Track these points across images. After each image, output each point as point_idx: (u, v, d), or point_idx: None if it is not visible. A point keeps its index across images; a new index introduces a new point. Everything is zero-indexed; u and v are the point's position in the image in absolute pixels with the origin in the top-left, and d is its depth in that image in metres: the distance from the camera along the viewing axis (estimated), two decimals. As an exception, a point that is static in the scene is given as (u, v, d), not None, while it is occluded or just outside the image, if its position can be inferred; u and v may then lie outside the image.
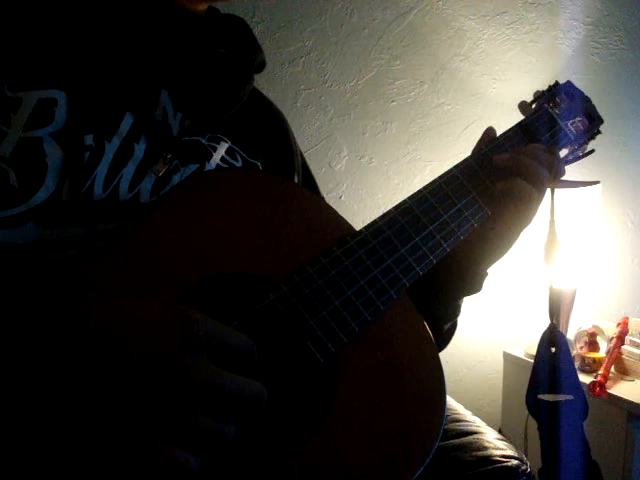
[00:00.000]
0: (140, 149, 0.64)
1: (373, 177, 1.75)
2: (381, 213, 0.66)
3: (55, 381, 0.44)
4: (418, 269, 0.65)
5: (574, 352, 1.64)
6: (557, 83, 0.84)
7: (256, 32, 1.61)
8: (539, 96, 0.83)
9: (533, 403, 0.83)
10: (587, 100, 0.86)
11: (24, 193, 0.58)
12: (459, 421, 0.93)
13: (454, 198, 0.70)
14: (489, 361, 1.84)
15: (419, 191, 0.69)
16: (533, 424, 0.86)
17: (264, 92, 0.86)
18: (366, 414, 0.58)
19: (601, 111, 0.87)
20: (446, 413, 0.61)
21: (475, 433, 0.88)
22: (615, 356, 1.58)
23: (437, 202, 0.69)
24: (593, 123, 0.86)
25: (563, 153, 0.83)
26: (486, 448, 0.83)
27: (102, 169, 0.62)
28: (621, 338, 1.61)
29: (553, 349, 0.84)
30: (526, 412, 0.85)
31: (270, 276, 0.58)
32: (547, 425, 0.82)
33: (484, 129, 0.78)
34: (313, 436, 0.56)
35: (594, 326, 1.67)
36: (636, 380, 1.56)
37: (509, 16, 1.83)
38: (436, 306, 0.76)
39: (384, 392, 0.59)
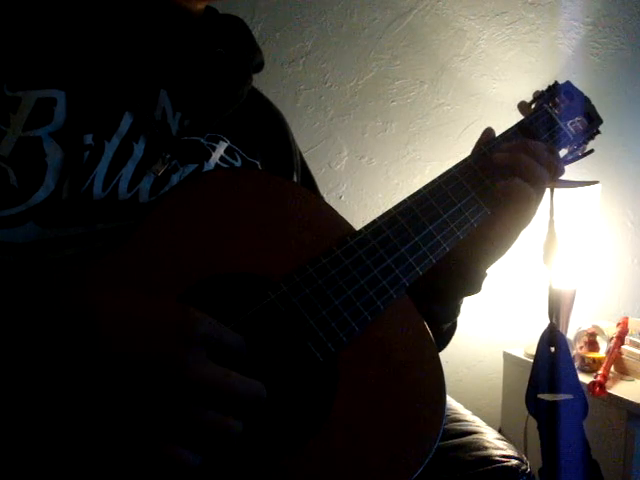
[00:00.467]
0: (139, 149, 0.65)
1: (373, 177, 1.75)
2: (381, 213, 0.66)
3: (57, 380, 0.44)
4: (418, 269, 0.65)
5: (574, 352, 1.64)
6: (556, 83, 0.84)
7: (256, 32, 1.61)
8: (538, 96, 0.83)
9: (533, 403, 0.83)
10: (586, 100, 0.86)
11: (24, 192, 0.58)
12: (459, 421, 0.93)
13: (454, 198, 0.70)
14: (489, 361, 1.84)
15: (419, 191, 0.69)
16: (533, 424, 0.86)
17: (264, 92, 0.86)
18: (365, 414, 0.58)
19: (600, 111, 0.87)
20: (446, 413, 0.61)
21: (475, 433, 0.88)
22: (615, 356, 1.58)
23: (437, 202, 0.69)
24: (592, 123, 0.86)
25: (562, 153, 0.83)
26: (486, 448, 0.83)
27: (102, 168, 0.62)
28: (621, 338, 1.61)
29: (553, 349, 0.84)
30: (526, 412, 0.85)
31: (270, 276, 0.58)
32: (547, 424, 0.82)
33: (484, 129, 0.78)
34: (313, 436, 0.56)
35: (594, 326, 1.67)
36: (636, 380, 1.56)
37: (509, 16, 1.83)
38: (436, 306, 0.76)
39: (384, 392, 0.59)
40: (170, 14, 0.70)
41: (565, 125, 0.82)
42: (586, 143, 0.86)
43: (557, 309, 1.51)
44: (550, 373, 0.83)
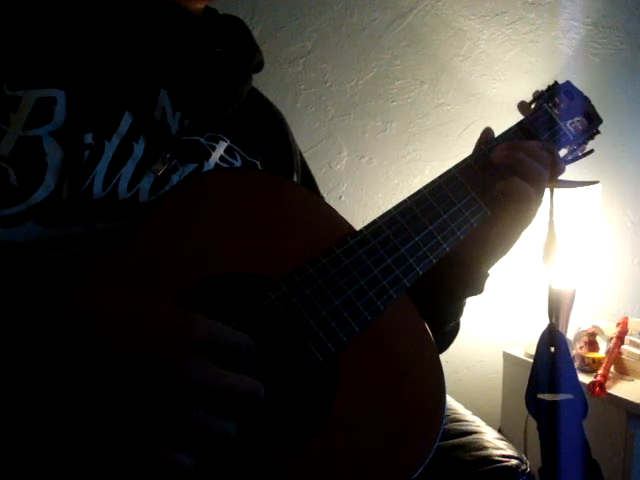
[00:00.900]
0: (139, 148, 0.65)
1: (373, 177, 1.75)
2: (381, 213, 0.66)
3: (56, 380, 0.44)
4: (418, 269, 0.65)
5: (574, 352, 1.64)
6: (556, 83, 0.84)
7: (256, 32, 1.61)
8: (538, 96, 0.83)
9: (533, 402, 0.83)
10: (586, 100, 0.86)
11: (24, 192, 0.58)
12: (459, 421, 0.93)
13: (454, 198, 0.70)
14: (489, 361, 1.84)
15: (419, 191, 0.69)
16: (533, 424, 0.86)
17: (264, 92, 0.86)
18: (365, 414, 0.58)
19: (600, 111, 0.87)
20: (446, 413, 0.61)
21: (475, 433, 0.88)
22: (615, 356, 1.58)
23: (437, 202, 0.69)
24: (592, 123, 0.86)
25: (562, 153, 0.83)
26: (486, 448, 0.83)
27: (101, 168, 0.62)
28: (621, 338, 1.61)
29: (552, 349, 0.84)
30: (526, 412, 0.85)
31: (270, 276, 0.58)
32: (547, 424, 0.82)
33: (483, 129, 0.78)
34: (313, 436, 0.56)
35: (594, 326, 1.67)
36: (636, 380, 1.56)
37: (509, 16, 1.83)
38: (439, 307, 0.76)
39: (383, 392, 0.59)
40: (170, 14, 0.70)
41: (565, 125, 0.82)
42: (586, 143, 0.86)
43: (557, 309, 1.51)
44: (550, 373, 0.83)
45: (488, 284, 0.79)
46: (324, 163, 1.70)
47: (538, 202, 0.73)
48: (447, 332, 0.80)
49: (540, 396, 0.82)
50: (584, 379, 1.50)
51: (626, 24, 1.93)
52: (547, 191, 0.77)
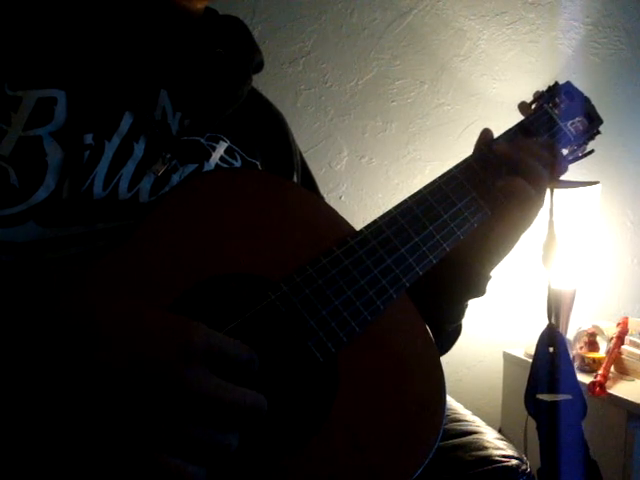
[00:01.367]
0: (139, 148, 0.65)
1: (373, 177, 1.75)
2: (381, 213, 0.66)
3: (55, 386, 0.43)
4: (418, 269, 0.65)
5: (574, 352, 1.64)
6: (557, 83, 0.84)
7: (256, 32, 1.61)
8: (539, 97, 0.83)
9: (532, 403, 0.83)
10: (587, 100, 0.86)
11: (24, 192, 0.58)
12: (459, 421, 0.93)
13: (454, 198, 0.70)
14: (489, 361, 1.84)
15: (419, 191, 0.69)
16: (533, 424, 0.86)
17: (264, 92, 0.86)
18: (365, 414, 0.58)
19: (601, 111, 0.87)
20: (446, 413, 0.61)
21: (475, 433, 0.88)
22: (615, 356, 1.58)
23: (437, 202, 0.69)
24: (593, 123, 0.85)
25: (563, 153, 0.83)
26: (486, 448, 0.83)
27: (102, 168, 0.62)
28: (621, 338, 1.61)
29: (551, 349, 0.84)
30: (526, 412, 0.85)
31: (270, 276, 0.58)
32: (546, 425, 0.82)
33: (481, 130, 0.78)
34: (313, 436, 0.56)
35: (594, 326, 1.67)
36: (636, 380, 1.56)
37: (509, 16, 1.83)
38: (440, 309, 0.76)
39: (383, 392, 0.59)
40: (170, 14, 0.70)
41: (565, 125, 0.82)
42: (586, 143, 0.86)
43: (556, 309, 1.51)
44: (549, 374, 0.83)
45: (489, 285, 0.79)
46: (324, 163, 1.70)
47: (538, 203, 0.73)
48: (449, 334, 0.80)
49: (539, 396, 0.83)
50: (584, 379, 1.50)
51: (626, 24, 1.93)
52: (547, 191, 0.77)
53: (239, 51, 0.76)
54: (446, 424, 0.89)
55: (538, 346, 0.85)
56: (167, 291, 0.54)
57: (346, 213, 0.65)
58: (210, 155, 0.70)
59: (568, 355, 0.85)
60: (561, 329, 1.59)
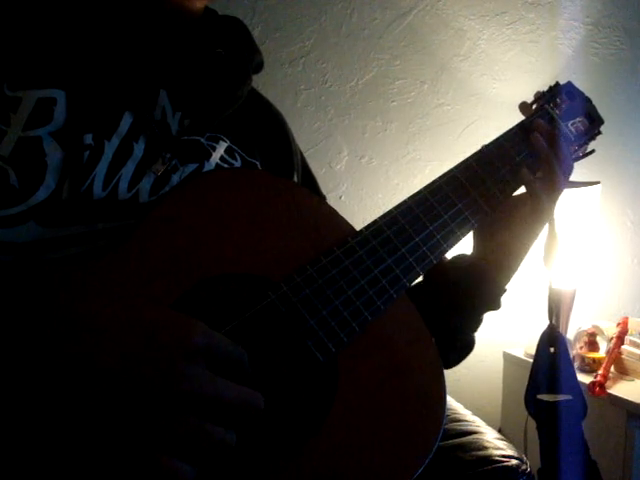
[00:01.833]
0: (139, 148, 0.65)
1: (373, 177, 1.75)
2: (381, 213, 0.66)
3: (54, 387, 0.43)
4: (418, 269, 0.65)
5: (574, 352, 1.64)
6: (557, 84, 0.84)
7: (256, 32, 1.61)
8: (540, 97, 0.83)
9: (532, 403, 0.83)
10: (587, 101, 0.86)
11: (24, 192, 0.58)
12: (459, 421, 0.93)
13: (454, 198, 0.70)
14: (489, 361, 1.84)
15: (419, 191, 0.69)
16: (533, 424, 0.86)
17: (264, 92, 0.86)
18: (365, 414, 0.58)
19: (601, 111, 0.87)
20: (446, 413, 0.61)
21: (475, 433, 0.88)
22: (615, 356, 1.58)
23: (437, 202, 0.69)
24: (593, 124, 0.85)
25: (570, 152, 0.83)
26: (486, 448, 0.83)
27: (102, 168, 0.62)
28: (621, 338, 1.61)
29: (552, 349, 0.84)
30: (526, 412, 0.85)
31: (270, 276, 0.58)
32: (546, 425, 0.82)
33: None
34: (313, 436, 0.56)
35: (594, 326, 1.67)
36: (636, 380, 1.56)
37: (509, 16, 1.83)
38: (455, 321, 0.76)
39: (383, 392, 0.59)
40: (170, 14, 0.70)
41: (566, 125, 0.82)
42: (587, 144, 0.86)
43: (557, 309, 1.51)
44: (549, 374, 0.83)
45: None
46: (324, 163, 1.70)
47: (547, 209, 0.75)
48: (464, 345, 0.81)
49: (539, 397, 0.83)
50: (584, 379, 1.50)
51: (626, 24, 1.93)
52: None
53: (239, 51, 0.76)
54: (446, 424, 0.89)
55: (539, 346, 0.85)
56: (167, 291, 0.54)
57: (346, 213, 0.65)
58: (210, 155, 0.70)
59: (569, 355, 0.85)
60: (561, 329, 1.59)
